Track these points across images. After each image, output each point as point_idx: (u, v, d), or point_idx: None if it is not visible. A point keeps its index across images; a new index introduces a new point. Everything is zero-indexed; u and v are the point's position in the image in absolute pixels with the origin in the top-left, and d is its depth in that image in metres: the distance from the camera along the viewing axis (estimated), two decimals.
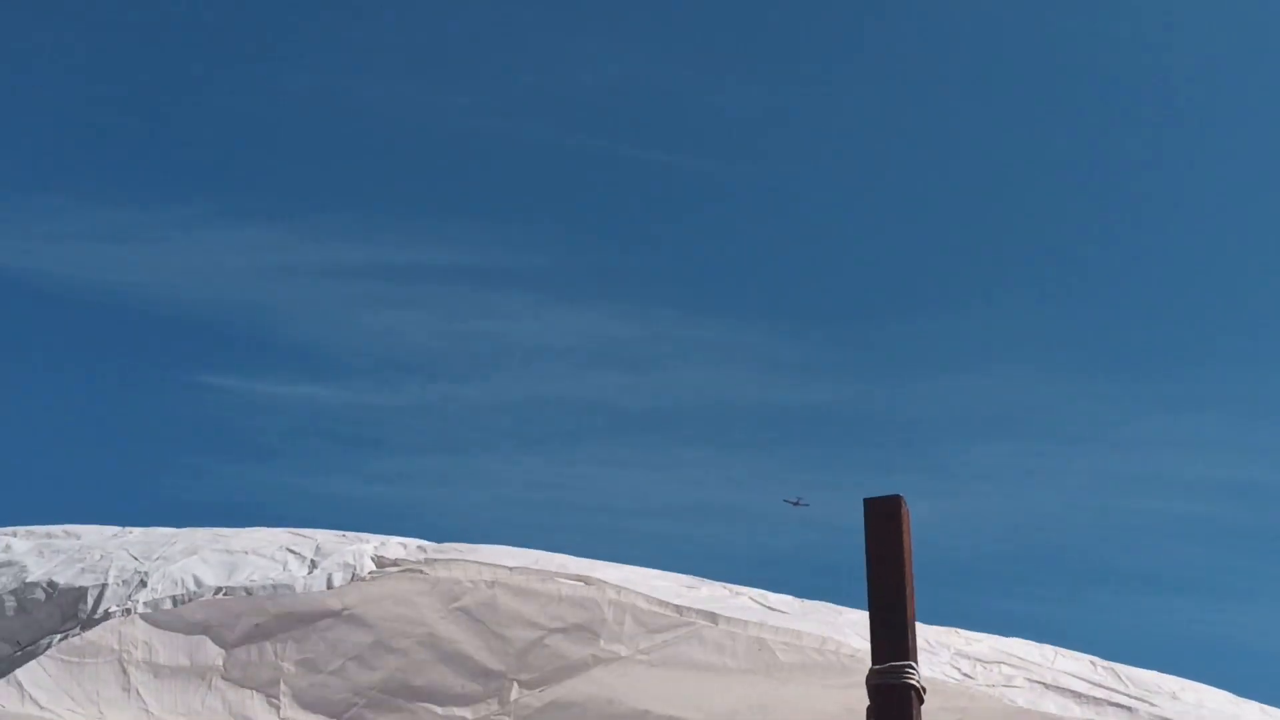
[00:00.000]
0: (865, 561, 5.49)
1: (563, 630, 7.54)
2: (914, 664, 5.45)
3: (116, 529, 8.21)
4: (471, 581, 7.79)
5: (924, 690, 5.46)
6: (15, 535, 8.10)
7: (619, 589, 7.60)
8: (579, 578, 7.76)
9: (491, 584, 7.74)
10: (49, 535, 8.11)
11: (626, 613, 7.46)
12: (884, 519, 5.47)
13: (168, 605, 7.75)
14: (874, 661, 5.47)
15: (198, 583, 7.83)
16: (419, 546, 8.21)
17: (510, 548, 8.14)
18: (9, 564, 7.83)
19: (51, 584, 7.74)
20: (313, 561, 7.97)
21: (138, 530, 8.13)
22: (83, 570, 7.81)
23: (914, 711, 5.44)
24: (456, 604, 7.76)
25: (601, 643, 7.42)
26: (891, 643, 5.45)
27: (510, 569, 7.85)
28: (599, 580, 7.70)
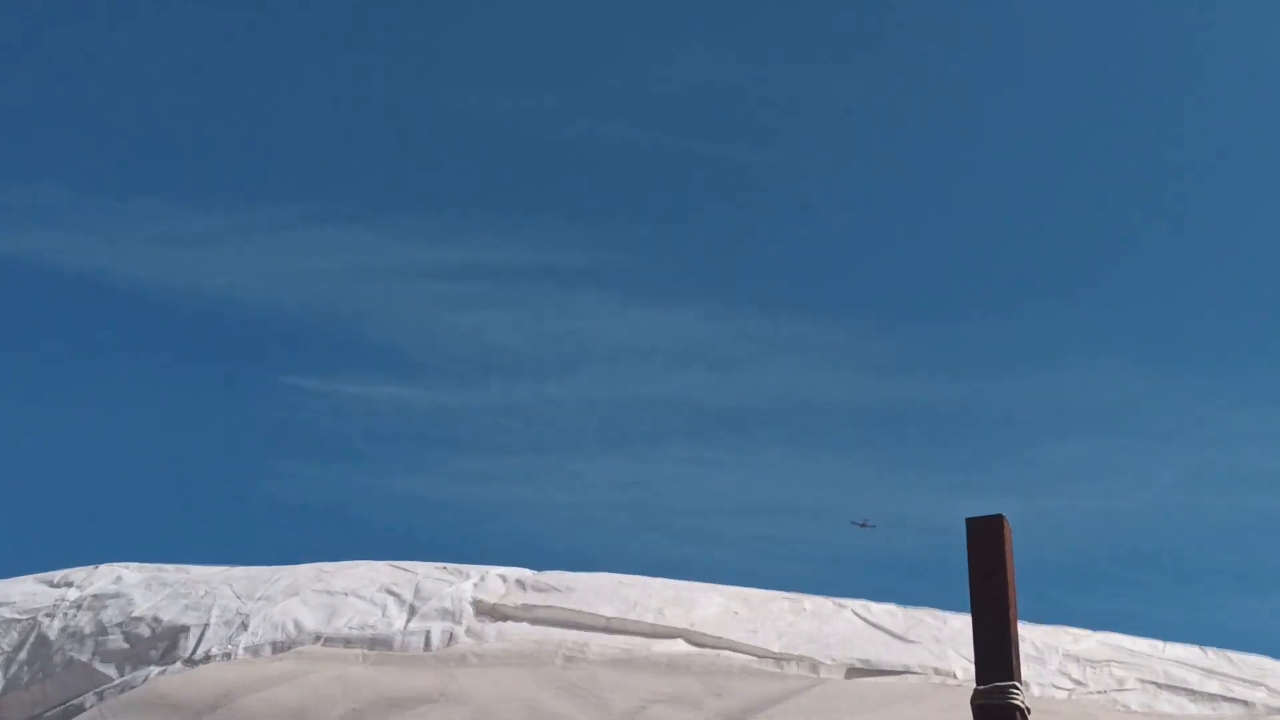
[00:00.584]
0: (968, 581, 5.48)
1: (665, 700, 7.47)
2: (1018, 684, 5.42)
3: (224, 568, 8.30)
4: (568, 655, 7.70)
5: (1028, 711, 5.43)
6: (127, 568, 8.20)
7: (717, 650, 7.56)
8: (677, 632, 7.73)
9: (585, 650, 7.66)
10: (159, 569, 8.20)
11: (729, 677, 7.39)
12: (986, 538, 5.46)
13: (267, 651, 7.79)
14: (978, 682, 5.45)
15: (298, 627, 7.87)
16: (518, 581, 8.22)
17: (606, 578, 8.13)
18: (118, 595, 7.94)
19: (156, 619, 7.82)
20: (412, 606, 7.99)
21: (242, 569, 8.20)
22: (187, 607, 7.88)
23: None
24: (556, 684, 7.66)
25: (704, 714, 7.35)
26: (995, 663, 5.44)
27: (607, 620, 7.83)
28: (698, 634, 7.67)
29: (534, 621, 7.96)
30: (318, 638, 7.84)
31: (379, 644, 7.80)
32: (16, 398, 25.17)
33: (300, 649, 7.81)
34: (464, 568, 8.07)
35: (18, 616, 7.91)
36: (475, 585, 8.12)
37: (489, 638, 7.88)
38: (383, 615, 8.00)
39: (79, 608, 7.91)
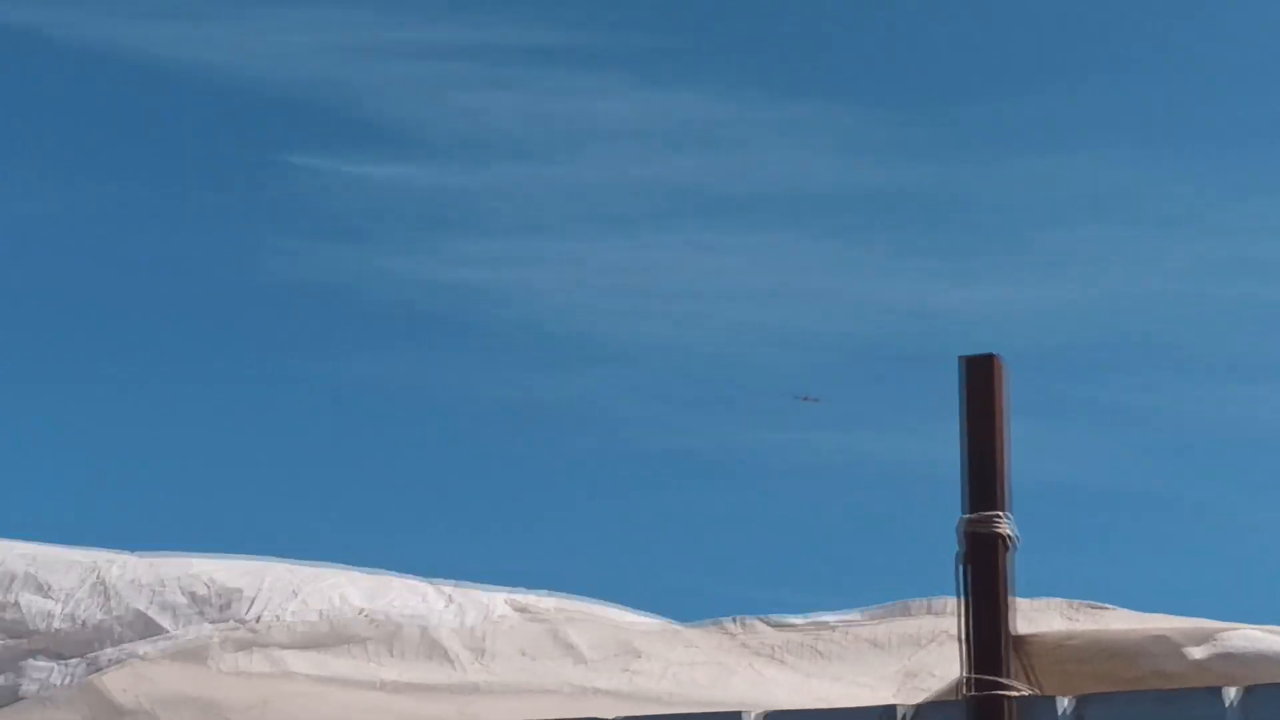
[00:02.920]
0: (959, 417, 5.88)
1: None
2: (1004, 514, 5.78)
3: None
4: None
5: (1012, 539, 5.78)
6: None
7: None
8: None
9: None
10: None
11: None
12: (979, 376, 5.87)
13: (314, 617, 8.18)
14: (965, 511, 5.81)
15: (343, 599, 8.27)
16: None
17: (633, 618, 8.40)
18: (175, 551, 8.38)
19: (212, 579, 8.23)
20: (450, 596, 8.39)
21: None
22: (242, 573, 8.30)
23: (1002, 559, 5.76)
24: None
25: None
26: (983, 493, 5.80)
27: None
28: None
29: None
30: (361, 610, 8.23)
31: (418, 618, 8.19)
32: (14, 178, 25.09)
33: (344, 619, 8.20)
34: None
35: (79, 559, 8.35)
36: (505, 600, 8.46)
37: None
38: (423, 601, 8.39)
39: (138, 556, 8.36)
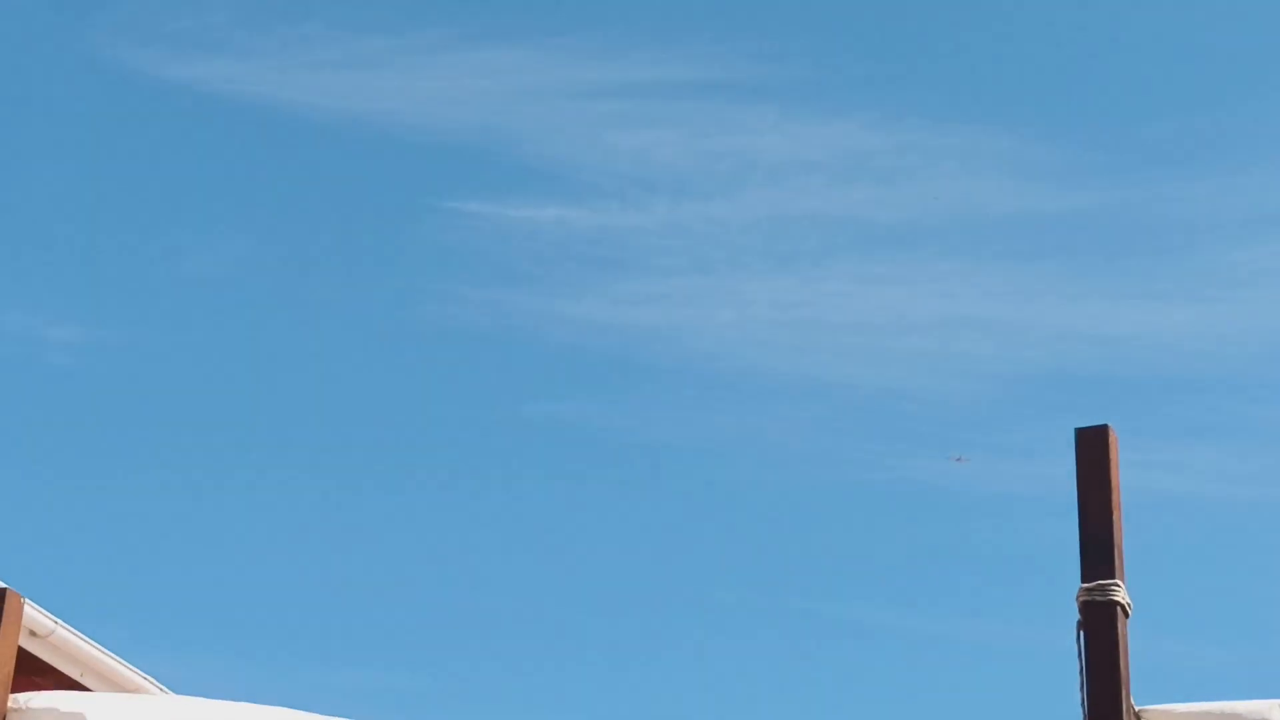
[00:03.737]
0: (1075, 487, 5.91)
1: None
2: (1120, 583, 5.80)
3: None
4: None
5: (1130, 607, 5.79)
6: None
7: None
8: None
9: None
10: None
11: None
12: (1093, 446, 5.90)
13: None
14: (1083, 580, 5.83)
15: None
16: None
17: None
18: None
19: None
20: None
21: None
22: None
23: (1120, 626, 5.77)
24: None
25: None
26: (1099, 562, 5.82)
27: None
28: None
29: None
30: None
31: None
32: (189, 227, 25.58)
33: None
34: None
35: None
36: None
37: None
38: None
39: None
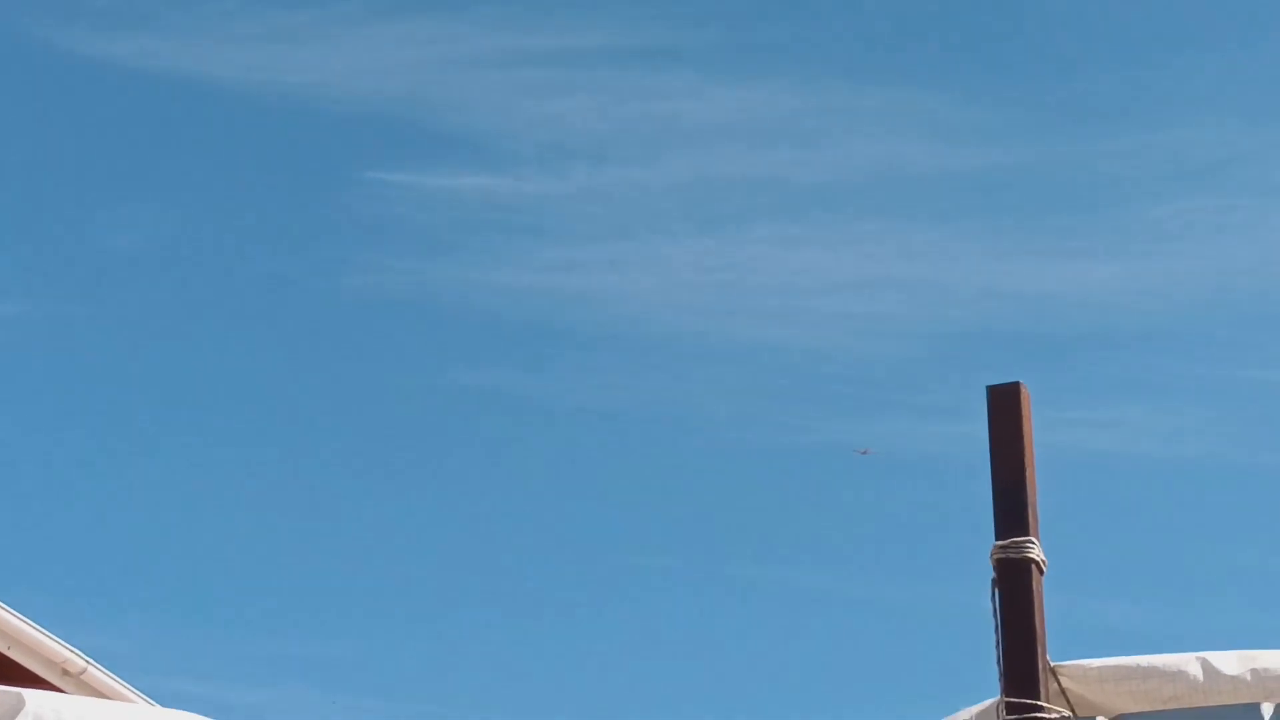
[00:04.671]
0: (988, 445, 5.97)
1: None
2: (1034, 539, 5.86)
3: None
4: None
5: (1044, 564, 5.86)
6: None
7: None
8: None
9: None
10: None
11: None
12: (1005, 405, 5.95)
13: None
14: (997, 538, 5.89)
15: None
16: None
17: None
18: None
19: None
20: None
21: None
22: None
23: (1034, 582, 5.84)
24: None
25: None
26: (1013, 520, 5.88)
27: None
28: None
29: None
30: None
31: None
32: (113, 202, 25.60)
33: None
34: None
35: None
36: None
37: None
38: None
39: None
